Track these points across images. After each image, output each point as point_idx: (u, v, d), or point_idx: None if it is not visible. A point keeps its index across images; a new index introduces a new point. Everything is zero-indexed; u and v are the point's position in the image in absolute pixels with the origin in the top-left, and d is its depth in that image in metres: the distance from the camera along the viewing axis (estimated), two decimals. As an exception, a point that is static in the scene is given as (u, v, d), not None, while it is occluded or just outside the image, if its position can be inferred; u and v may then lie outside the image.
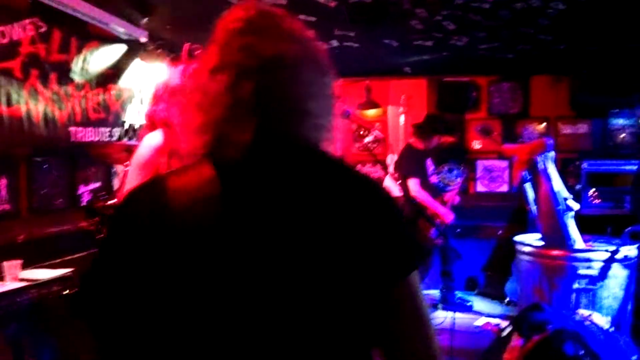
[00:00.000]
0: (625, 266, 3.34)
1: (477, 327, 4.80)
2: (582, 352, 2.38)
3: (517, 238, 3.83)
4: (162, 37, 4.62)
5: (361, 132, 6.02)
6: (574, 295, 3.29)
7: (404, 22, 4.54)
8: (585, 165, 5.64)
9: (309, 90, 0.99)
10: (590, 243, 3.67)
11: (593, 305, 3.23)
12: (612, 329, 2.94)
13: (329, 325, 0.92)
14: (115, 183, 4.25)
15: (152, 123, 2.04)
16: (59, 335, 2.95)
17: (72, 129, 3.74)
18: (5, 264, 2.95)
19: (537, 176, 3.45)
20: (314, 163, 0.99)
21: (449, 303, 5.21)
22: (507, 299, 5.48)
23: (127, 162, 3.43)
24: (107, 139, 4.12)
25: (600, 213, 5.32)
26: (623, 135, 6.17)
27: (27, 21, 3.30)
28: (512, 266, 5.13)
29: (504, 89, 6.41)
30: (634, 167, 4.56)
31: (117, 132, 4.27)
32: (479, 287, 6.05)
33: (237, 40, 0.98)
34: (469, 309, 5.33)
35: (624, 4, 4.11)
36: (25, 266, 3.05)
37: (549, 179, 3.41)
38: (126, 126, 4.39)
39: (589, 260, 3.33)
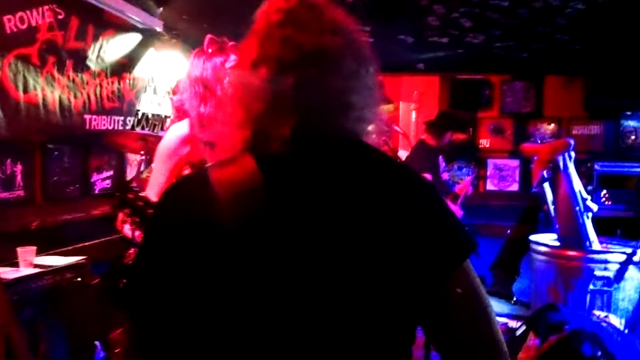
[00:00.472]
0: (641, 269, 3.33)
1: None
2: (600, 353, 2.37)
3: (533, 237, 3.81)
4: (177, 27, 4.61)
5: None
6: (588, 297, 3.27)
7: (421, 18, 4.52)
8: (597, 166, 5.61)
9: (351, 83, 0.97)
10: (604, 245, 3.65)
11: (608, 306, 3.21)
12: (627, 331, 2.93)
13: (378, 320, 0.90)
14: (129, 172, 4.25)
15: (179, 113, 2.03)
16: (72, 322, 2.95)
17: (86, 116, 3.73)
18: (20, 249, 2.95)
19: (558, 176, 3.43)
20: (357, 156, 0.97)
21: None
22: (515, 299, 5.46)
23: (142, 152, 3.44)
24: (121, 128, 4.12)
25: (611, 215, 5.30)
26: (634, 137, 6.15)
27: (45, 7, 3.29)
28: (520, 266, 5.11)
29: (517, 88, 6.38)
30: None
31: (130, 121, 4.26)
32: (486, 286, 6.03)
33: (277, 32, 0.96)
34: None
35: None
36: (38, 253, 3.05)
37: (569, 179, 3.40)
38: (139, 115, 4.39)
39: (605, 262, 3.31)
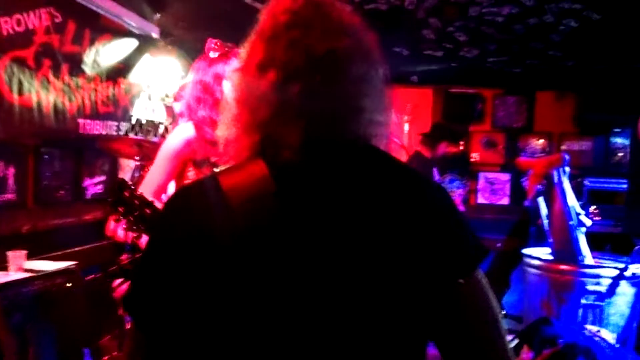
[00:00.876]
0: (633, 284, 3.34)
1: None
2: (593, 367, 2.38)
3: (526, 251, 3.83)
4: (173, 34, 4.61)
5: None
6: (581, 311, 3.28)
7: (417, 31, 4.55)
8: (587, 182, 5.66)
9: (360, 86, 0.94)
10: (597, 260, 3.67)
11: (600, 321, 3.22)
12: (618, 345, 2.94)
13: (390, 326, 0.90)
14: (122, 177, 4.21)
15: (184, 116, 2.02)
16: (61, 327, 2.91)
17: (80, 121, 3.70)
18: (10, 253, 2.91)
19: (552, 190, 3.46)
20: (370, 162, 0.96)
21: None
22: (504, 312, 5.46)
23: (137, 157, 3.42)
24: (115, 133, 4.09)
25: (600, 230, 5.33)
26: (622, 154, 6.21)
27: (43, 10, 3.27)
28: (510, 279, 5.11)
29: (509, 103, 6.44)
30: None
31: (124, 126, 4.24)
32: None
33: (283, 34, 0.93)
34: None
35: (636, 24, 4.14)
36: (28, 257, 3.00)
37: (563, 193, 3.42)
38: (133, 121, 4.36)
39: (598, 276, 3.33)
